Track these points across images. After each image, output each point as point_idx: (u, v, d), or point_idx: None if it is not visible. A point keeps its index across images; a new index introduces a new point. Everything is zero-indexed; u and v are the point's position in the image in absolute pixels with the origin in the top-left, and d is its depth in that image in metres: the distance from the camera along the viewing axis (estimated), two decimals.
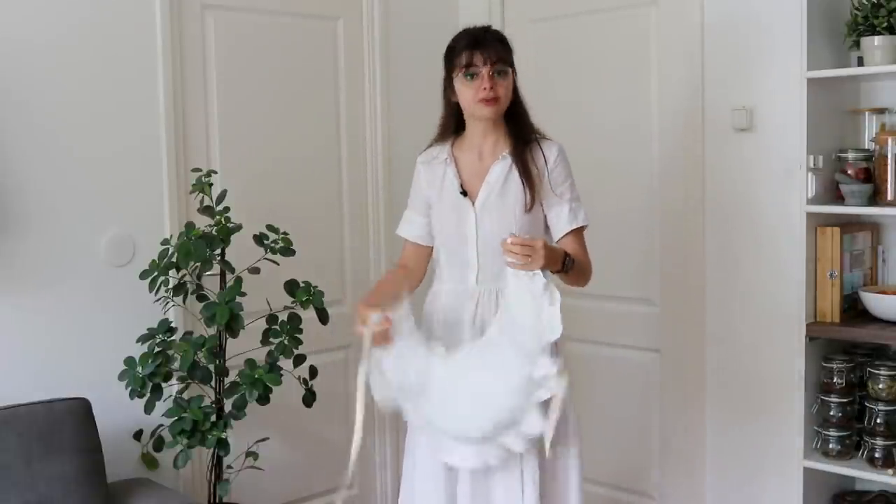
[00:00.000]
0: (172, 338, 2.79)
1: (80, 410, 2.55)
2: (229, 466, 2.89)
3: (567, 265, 2.27)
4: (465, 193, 2.39)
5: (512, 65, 2.36)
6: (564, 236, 2.38)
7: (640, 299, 3.34)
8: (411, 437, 2.48)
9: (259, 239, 2.82)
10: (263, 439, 2.97)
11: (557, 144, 2.41)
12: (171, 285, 2.78)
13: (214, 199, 2.77)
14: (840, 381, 2.83)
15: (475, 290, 2.37)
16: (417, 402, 2.25)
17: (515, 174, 2.36)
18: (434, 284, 2.49)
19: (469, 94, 2.33)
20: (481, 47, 2.30)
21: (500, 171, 2.37)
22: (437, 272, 2.48)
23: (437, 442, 2.29)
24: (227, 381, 2.80)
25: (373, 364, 2.22)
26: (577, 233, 2.39)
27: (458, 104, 2.39)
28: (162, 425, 2.78)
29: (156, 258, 2.76)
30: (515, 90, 2.39)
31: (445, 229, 2.43)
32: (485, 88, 2.29)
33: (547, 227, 2.42)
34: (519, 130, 2.39)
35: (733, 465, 3.12)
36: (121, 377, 2.72)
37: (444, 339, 2.31)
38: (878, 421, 2.76)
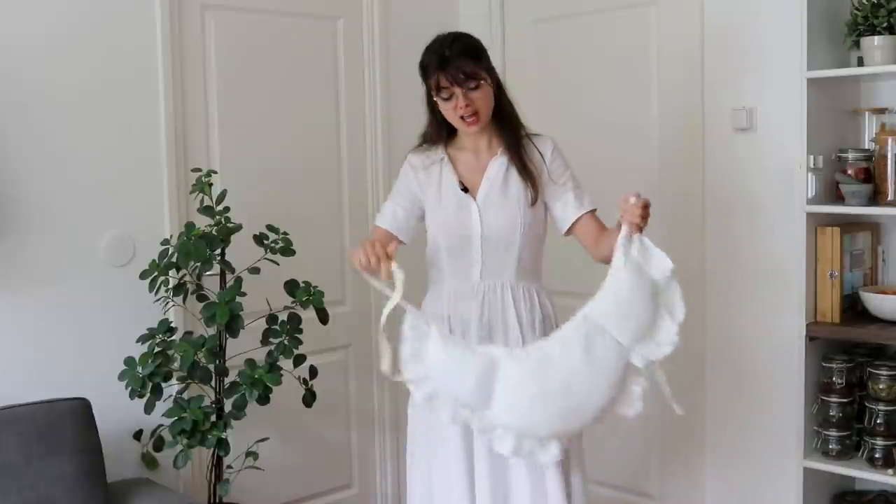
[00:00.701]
0: (172, 338, 2.79)
1: (80, 410, 2.55)
2: (229, 466, 2.89)
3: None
4: (465, 190, 2.40)
5: (489, 71, 2.35)
6: (577, 222, 2.39)
7: None
8: (413, 427, 2.48)
9: (259, 239, 2.82)
10: (263, 439, 2.97)
11: (550, 139, 2.44)
12: (171, 285, 2.78)
13: (214, 199, 2.77)
14: (840, 381, 2.83)
15: (479, 285, 2.37)
16: (480, 408, 2.09)
17: (514, 171, 2.38)
18: (432, 287, 2.49)
19: (449, 112, 2.35)
20: (448, 69, 2.28)
21: (499, 167, 2.39)
22: (434, 275, 2.48)
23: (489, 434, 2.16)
24: (227, 381, 2.80)
25: (411, 318, 2.09)
26: (591, 216, 2.41)
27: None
28: (162, 425, 2.78)
29: (156, 258, 2.76)
30: (500, 89, 2.39)
31: (448, 227, 2.42)
32: (461, 108, 2.30)
33: (547, 222, 2.45)
34: (509, 128, 2.40)
35: (733, 465, 3.12)
36: (121, 377, 2.72)
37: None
38: (878, 421, 2.76)
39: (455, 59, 2.28)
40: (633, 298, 2.08)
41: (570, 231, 2.42)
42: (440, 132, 2.45)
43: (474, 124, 2.33)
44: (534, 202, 2.36)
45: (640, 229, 2.10)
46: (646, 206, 2.10)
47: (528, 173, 2.36)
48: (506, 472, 2.33)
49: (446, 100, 2.32)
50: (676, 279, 2.10)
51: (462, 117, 2.32)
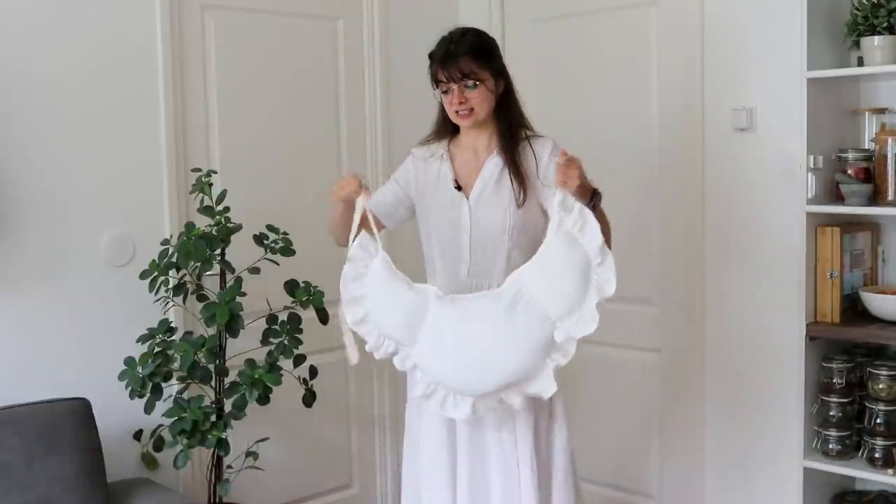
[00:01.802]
0: (172, 338, 2.79)
1: (80, 410, 2.55)
2: (229, 466, 2.89)
3: (595, 199, 2.23)
4: (459, 188, 2.41)
5: (497, 72, 2.37)
6: None
7: (640, 299, 3.34)
8: (410, 410, 2.52)
9: (259, 239, 2.83)
10: (263, 439, 2.97)
11: (551, 141, 2.42)
12: (171, 285, 2.78)
13: (214, 199, 2.77)
14: (840, 381, 2.83)
15: (466, 283, 2.38)
16: (405, 344, 2.20)
17: (508, 172, 2.38)
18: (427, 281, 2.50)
19: (446, 105, 2.39)
20: (449, 65, 2.30)
21: (494, 166, 2.39)
22: (428, 271, 2.49)
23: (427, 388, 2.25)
24: (227, 381, 2.80)
25: (362, 239, 2.24)
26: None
27: None
28: (162, 425, 2.78)
29: (156, 258, 2.76)
30: (507, 89, 2.41)
31: (440, 223, 2.44)
32: (455, 103, 2.33)
33: (545, 225, 2.43)
34: (508, 129, 2.40)
35: (733, 465, 3.12)
36: (121, 377, 2.72)
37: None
38: (878, 421, 2.76)
39: (457, 56, 2.30)
40: (562, 270, 2.10)
41: None
42: (445, 123, 2.47)
43: (466, 118, 2.35)
44: (521, 204, 2.35)
45: (567, 186, 2.12)
46: (570, 163, 2.11)
47: (518, 175, 2.36)
48: (485, 470, 2.36)
49: (445, 93, 2.36)
50: (609, 253, 2.11)
51: (455, 112, 2.35)
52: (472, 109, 2.34)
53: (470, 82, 2.31)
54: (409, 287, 2.23)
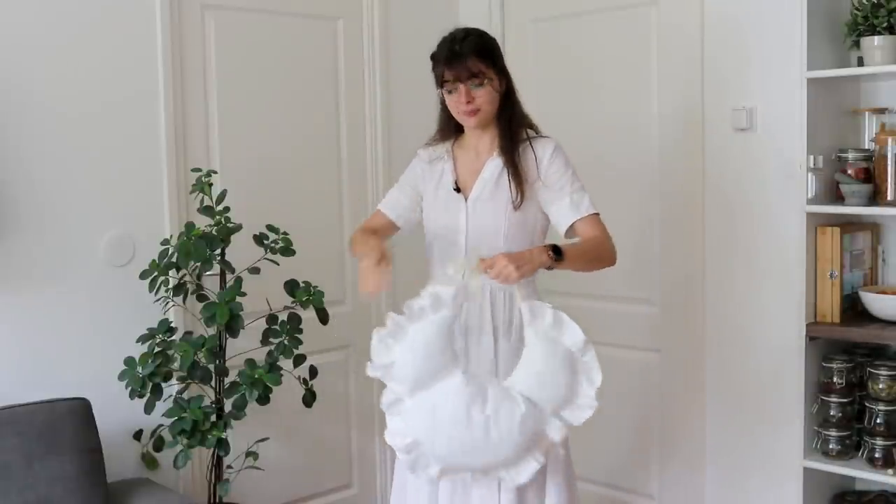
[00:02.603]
0: (172, 338, 2.79)
1: (80, 410, 2.55)
2: (229, 466, 2.89)
3: (558, 256, 2.18)
4: (458, 190, 2.41)
5: (500, 72, 2.37)
6: (573, 227, 2.37)
7: (640, 299, 3.34)
8: None
9: (259, 239, 2.83)
10: (263, 439, 2.97)
11: (553, 142, 2.41)
12: (171, 285, 2.78)
13: (214, 199, 2.77)
14: (840, 381, 2.83)
15: (462, 285, 2.37)
16: (409, 389, 2.15)
17: (507, 174, 2.38)
18: (429, 283, 2.50)
19: (452, 105, 2.38)
20: (455, 64, 2.30)
21: (495, 167, 2.39)
22: (431, 271, 2.50)
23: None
24: (227, 381, 2.80)
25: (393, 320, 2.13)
26: (585, 221, 2.35)
27: None
28: (162, 425, 2.78)
29: (156, 258, 2.76)
30: (509, 89, 2.40)
31: (439, 224, 2.45)
32: (462, 102, 2.33)
33: (548, 224, 2.44)
34: (510, 130, 2.39)
35: (733, 465, 3.12)
36: (121, 377, 2.72)
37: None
38: (878, 421, 2.76)
39: (463, 56, 2.30)
40: (549, 369, 2.12)
41: (568, 235, 2.41)
42: (448, 124, 2.47)
43: (472, 116, 2.35)
44: (517, 206, 2.35)
45: (511, 282, 2.11)
46: (493, 266, 2.09)
47: (516, 176, 2.35)
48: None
49: (450, 93, 2.36)
50: (591, 345, 2.14)
51: (462, 112, 2.35)
52: (478, 109, 2.34)
53: (477, 81, 2.31)
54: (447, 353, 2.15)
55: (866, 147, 2.90)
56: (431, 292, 2.11)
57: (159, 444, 2.80)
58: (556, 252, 2.18)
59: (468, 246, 2.37)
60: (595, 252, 2.33)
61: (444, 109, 2.45)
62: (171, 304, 2.83)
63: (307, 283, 2.88)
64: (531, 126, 2.45)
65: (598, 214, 2.38)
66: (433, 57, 2.38)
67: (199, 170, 2.81)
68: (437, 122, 2.52)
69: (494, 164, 2.39)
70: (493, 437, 2.08)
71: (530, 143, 2.40)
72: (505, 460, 2.12)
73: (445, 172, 2.45)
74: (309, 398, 2.94)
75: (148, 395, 2.71)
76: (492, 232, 2.36)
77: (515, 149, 2.38)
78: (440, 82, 2.35)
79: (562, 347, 2.12)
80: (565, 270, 2.26)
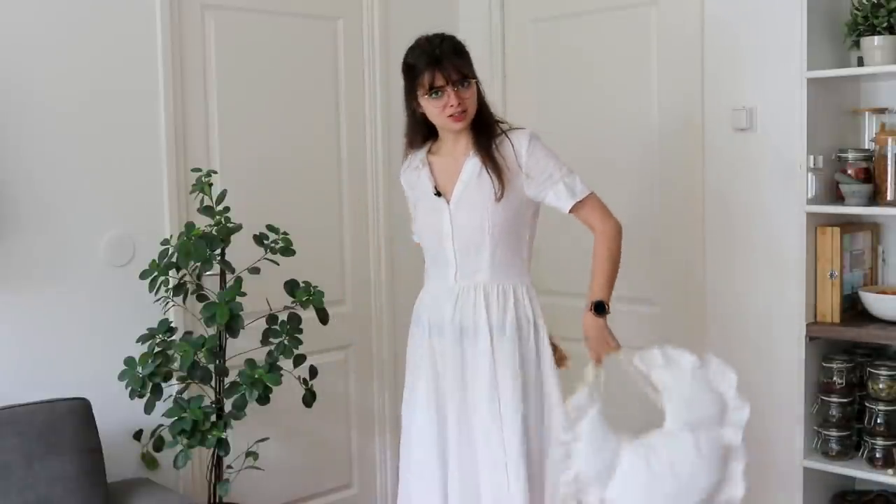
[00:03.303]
0: (172, 338, 2.79)
1: (80, 410, 2.55)
2: (229, 466, 2.89)
3: (605, 307, 2.35)
4: (439, 194, 2.42)
5: (472, 72, 2.39)
6: (574, 211, 2.39)
7: (640, 299, 3.34)
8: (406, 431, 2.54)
9: (259, 239, 2.83)
10: (263, 439, 2.97)
11: (527, 132, 2.41)
12: (171, 285, 2.78)
13: (214, 199, 2.77)
14: (840, 381, 2.83)
15: (454, 287, 2.41)
16: (601, 485, 2.19)
17: (486, 170, 2.38)
18: (422, 289, 2.55)
19: (436, 111, 2.36)
20: (441, 66, 2.31)
21: (473, 166, 2.40)
22: (425, 277, 2.53)
23: None
24: (227, 381, 2.80)
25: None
26: (583, 205, 2.38)
27: (424, 114, 2.41)
28: (162, 425, 2.78)
29: (156, 258, 2.76)
30: (478, 88, 2.42)
31: (425, 230, 2.48)
32: (452, 106, 2.32)
33: (535, 214, 2.46)
34: (484, 126, 2.41)
35: None
36: (121, 377, 2.72)
37: (432, 341, 2.42)
38: (878, 421, 2.76)
39: (448, 58, 2.32)
40: (696, 396, 2.21)
41: (572, 212, 2.42)
42: (417, 134, 2.48)
43: (460, 121, 2.35)
44: (499, 197, 2.34)
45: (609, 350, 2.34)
46: (598, 360, 2.34)
47: (495, 169, 2.35)
48: (476, 471, 2.37)
49: (437, 97, 2.33)
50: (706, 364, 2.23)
51: (450, 115, 2.34)
52: (466, 110, 2.34)
53: (465, 82, 2.33)
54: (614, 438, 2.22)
55: (866, 147, 2.90)
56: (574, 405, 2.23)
57: (159, 444, 2.80)
58: (600, 309, 2.34)
59: (455, 248, 2.39)
60: (612, 262, 2.38)
61: (414, 118, 2.45)
62: (171, 304, 2.83)
63: (307, 283, 2.88)
64: (502, 120, 2.46)
65: (593, 194, 2.40)
66: (412, 66, 2.35)
67: (199, 170, 2.81)
68: (405, 133, 2.51)
69: (472, 163, 2.39)
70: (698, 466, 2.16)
71: (506, 136, 2.40)
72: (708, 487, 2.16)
73: (422, 178, 2.47)
74: (309, 398, 2.94)
75: (148, 395, 2.71)
76: (477, 231, 2.37)
77: (491, 143, 2.38)
78: (429, 87, 2.32)
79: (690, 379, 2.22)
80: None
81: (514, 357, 2.35)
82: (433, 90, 2.32)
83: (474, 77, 2.36)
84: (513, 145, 2.38)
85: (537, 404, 2.38)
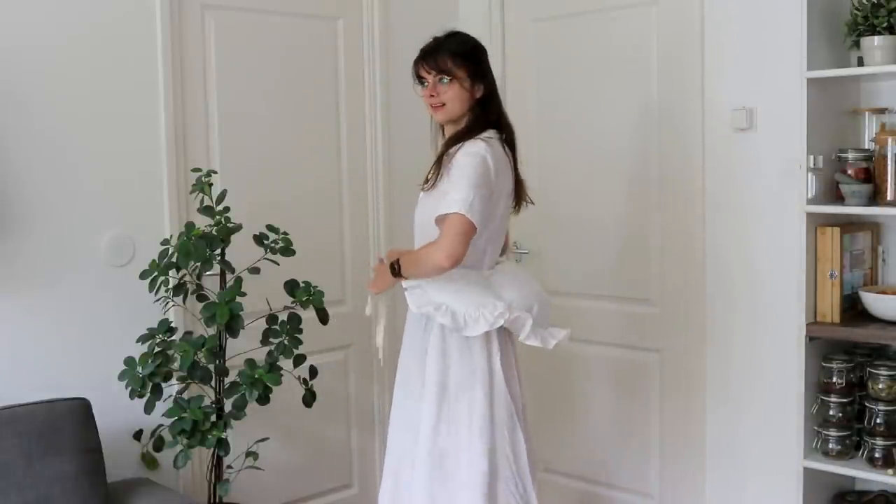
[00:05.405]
0: (172, 338, 2.79)
1: (80, 410, 2.55)
2: (229, 466, 2.89)
3: (397, 270, 2.43)
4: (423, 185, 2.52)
5: (478, 75, 2.46)
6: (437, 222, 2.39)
7: (640, 299, 3.34)
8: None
9: (259, 239, 2.83)
10: (263, 439, 2.97)
11: (476, 144, 2.39)
12: (171, 285, 2.78)
13: (214, 199, 2.77)
14: (840, 381, 2.83)
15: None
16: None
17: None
18: None
19: (423, 98, 2.50)
20: (428, 59, 2.46)
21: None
22: None
23: None
24: (227, 381, 2.80)
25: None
26: (445, 217, 2.31)
27: None
28: (162, 425, 2.78)
29: (156, 258, 2.76)
30: (489, 95, 2.49)
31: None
32: (427, 95, 2.46)
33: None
34: (466, 127, 2.46)
35: (733, 465, 3.12)
36: (121, 377, 2.72)
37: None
38: (878, 421, 2.76)
39: (438, 53, 2.44)
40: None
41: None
42: (434, 123, 2.59)
43: (438, 111, 2.47)
44: (423, 187, 2.47)
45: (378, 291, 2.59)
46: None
47: (437, 163, 2.44)
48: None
49: (423, 86, 2.48)
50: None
51: (429, 105, 2.48)
52: (443, 104, 2.44)
53: (446, 78, 2.42)
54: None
55: (866, 147, 2.89)
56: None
57: (159, 444, 2.80)
58: (394, 269, 2.44)
59: (416, 240, 2.51)
60: (421, 261, 2.37)
61: None
62: (171, 304, 2.83)
63: (307, 283, 2.88)
64: (505, 129, 2.50)
65: (459, 214, 2.28)
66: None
67: (199, 170, 2.81)
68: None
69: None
70: None
71: (465, 145, 2.41)
72: None
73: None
74: (309, 398, 2.94)
75: (148, 395, 2.71)
76: (420, 225, 2.49)
77: (455, 142, 2.43)
78: (416, 76, 2.49)
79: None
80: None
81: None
82: (419, 79, 2.49)
83: (461, 77, 2.43)
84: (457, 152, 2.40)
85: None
